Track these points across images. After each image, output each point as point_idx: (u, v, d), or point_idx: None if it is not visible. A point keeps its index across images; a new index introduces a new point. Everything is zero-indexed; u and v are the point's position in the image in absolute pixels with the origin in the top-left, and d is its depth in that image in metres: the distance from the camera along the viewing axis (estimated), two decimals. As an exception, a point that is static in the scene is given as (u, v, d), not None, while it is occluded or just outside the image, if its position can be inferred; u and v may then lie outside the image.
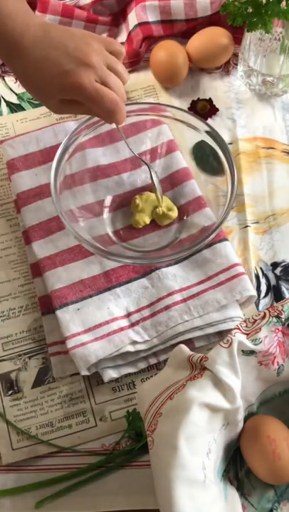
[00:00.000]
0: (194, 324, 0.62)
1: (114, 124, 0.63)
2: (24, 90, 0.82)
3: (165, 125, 0.74)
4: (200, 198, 0.70)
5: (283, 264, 0.70)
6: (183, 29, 0.83)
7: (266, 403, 0.58)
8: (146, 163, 0.68)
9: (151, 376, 0.63)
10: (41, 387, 0.62)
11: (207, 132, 0.69)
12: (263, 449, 0.52)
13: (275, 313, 0.54)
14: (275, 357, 0.54)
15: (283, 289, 0.68)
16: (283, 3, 0.69)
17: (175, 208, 0.70)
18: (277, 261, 0.70)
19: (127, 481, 0.58)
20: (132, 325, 0.63)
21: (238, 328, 0.53)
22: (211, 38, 0.80)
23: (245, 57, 0.79)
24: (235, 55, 0.83)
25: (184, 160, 0.73)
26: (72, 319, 0.63)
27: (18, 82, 0.83)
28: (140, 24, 0.82)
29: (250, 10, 0.71)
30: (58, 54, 0.58)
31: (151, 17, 0.81)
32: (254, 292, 0.64)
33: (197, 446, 0.49)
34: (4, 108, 0.81)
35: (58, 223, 0.68)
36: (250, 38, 0.77)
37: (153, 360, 0.63)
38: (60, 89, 0.59)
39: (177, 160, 0.73)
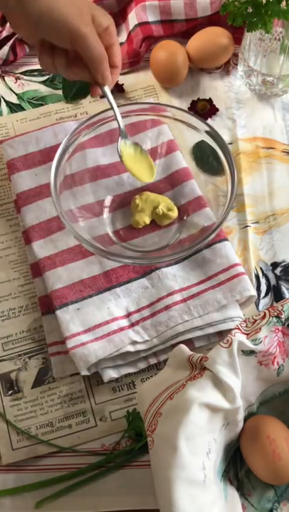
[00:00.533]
0: (194, 324, 0.62)
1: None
2: (24, 90, 0.82)
3: (165, 125, 0.74)
4: (200, 198, 0.70)
5: (283, 264, 0.70)
6: (183, 29, 0.83)
7: (266, 403, 0.58)
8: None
9: (151, 376, 0.63)
10: (41, 387, 0.62)
11: (207, 132, 0.69)
12: (263, 449, 0.52)
13: (275, 313, 0.54)
14: (275, 357, 0.54)
15: (283, 289, 0.68)
16: (283, 3, 0.69)
17: (175, 208, 0.70)
18: (277, 261, 0.70)
19: (127, 481, 0.58)
20: (132, 325, 0.63)
21: (238, 328, 0.53)
22: (211, 38, 0.80)
23: (245, 57, 0.79)
24: (235, 55, 0.84)
25: (183, 160, 0.73)
26: (72, 319, 0.63)
27: (18, 82, 0.83)
28: (140, 24, 0.82)
29: (250, 10, 0.71)
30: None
31: (151, 17, 0.81)
32: (254, 292, 0.64)
33: (197, 446, 0.49)
34: (4, 108, 0.81)
35: (58, 223, 0.68)
36: (250, 38, 0.77)
37: (153, 360, 0.63)
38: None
39: (177, 160, 0.73)
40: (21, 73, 0.84)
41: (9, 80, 0.83)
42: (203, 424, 0.49)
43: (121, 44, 0.83)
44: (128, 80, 0.82)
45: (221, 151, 0.67)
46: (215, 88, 0.82)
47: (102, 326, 0.62)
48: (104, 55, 0.60)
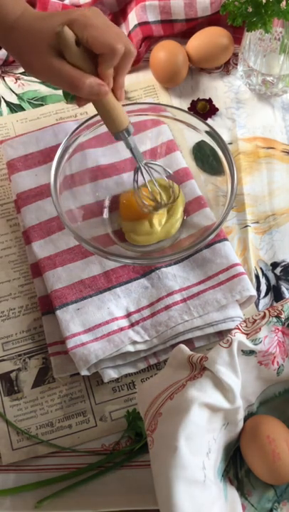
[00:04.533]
0: (194, 324, 0.62)
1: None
2: (24, 90, 0.83)
3: (165, 125, 0.74)
4: (200, 198, 0.70)
5: (283, 264, 0.70)
6: (183, 29, 0.83)
7: (266, 403, 0.58)
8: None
9: (151, 376, 0.63)
10: (41, 387, 0.62)
11: (207, 132, 0.69)
12: (263, 449, 0.52)
13: (275, 313, 0.54)
14: (275, 357, 0.54)
15: (283, 288, 0.68)
16: (283, 3, 0.69)
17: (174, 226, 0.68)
18: (277, 261, 0.70)
19: (127, 481, 0.58)
20: (132, 325, 0.63)
21: (238, 328, 0.53)
22: (211, 38, 0.80)
23: (245, 57, 0.79)
24: (235, 55, 0.84)
25: (183, 160, 0.73)
26: (72, 319, 0.63)
27: (18, 82, 0.83)
28: (140, 24, 0.82)
29: (250, 10, 0.71)
30: (43, 17, 0.57)
31: (151, 17, 0.81)
32: (254, 292, 0.64)
33: (197, 446, 0.49)
34: (4, 108, 0.81)
35: (58, 223, 0.68)
36: (250, 37, 0.77)
37: (153, 360, 0.63)
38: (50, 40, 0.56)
39: (177, 160, 0.73)
40: (21, 73, 0.84)
41: (9, 80, 0.83)
42: (203, 424, 0.49)
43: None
44: (128, 80, 0.82)
45: (220, 151, 0.67)
46: (215, 88, 0.82)
47: (102, 326, 0.62)
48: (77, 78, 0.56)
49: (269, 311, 0.54)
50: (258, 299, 0.67)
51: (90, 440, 0.60)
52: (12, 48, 0.59)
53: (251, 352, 0.53)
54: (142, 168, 0.64)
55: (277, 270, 0.69)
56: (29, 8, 0.59)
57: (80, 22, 0.54)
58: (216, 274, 0.65)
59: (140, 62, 0.83)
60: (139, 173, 0.65)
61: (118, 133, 0.61)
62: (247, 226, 0.72)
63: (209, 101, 0.80)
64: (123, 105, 0.69)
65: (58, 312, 0.63)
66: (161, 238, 0.68)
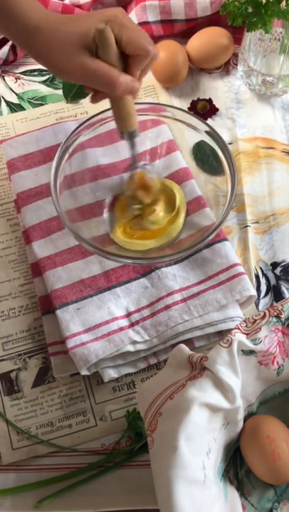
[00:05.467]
0: (194, 324, 0.62)
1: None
2: (24, 90, 0.83)
3: (165, 125, 0.74)
4: (200, 198, 0.70)
5: (283, 264, 0.70)
6: (183, 29, 0.83)
7: (266, 403, 0.58)
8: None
9: (151, 376, 0.63)
10: (41, 386, 0.62)
11: (207, 132, 0.69)
12: (263, 449, 0.52)
13: (275, 313, 0.54)
14: (275, 357, 0.54)
15: (283, 288, 0.68)
16: (283, 3, 0.69)
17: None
18: (277, 261, 0.70)
19: (127, 481, 0.58)
20: (132, 325, 0.63)
21: (238, 328, 0.53)
22: (211, 38, 0.80)
23: (245, 57, 0.79)
24: (235, 55, 0.84)
25: (183, 160, 0.73)
26: (72, 319, 0.63)
27: (18, 82, 0.83)
28: (140, 24, 0.82)
29: (250, 10, 0.71)
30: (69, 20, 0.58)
31: (151, 17, 0.81)
32: (254, 292, 0.64)
33: (197, 446, 0.49)
34: (4, 108, 0.81)
35: (58, 223, 0.68)
36: (250, 38, 0.77)
37: (153, 360, 0.63)
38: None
39: (177, 160, 0.73)
40: (21, 73, 0.84)
41: (9, 79, 0.84)
42: (203, 423, 0.49)
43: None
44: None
45: (220, 151, 0.67)
46: (215, 88, 0.82)
47: (102, 325, 0.62)
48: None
49: (269, 311, 0.54)
50: (258, 298, 0.67)
51: (90, 440, 0.60)
52: (36, 51, 0.59)
53: (251, 352, 0.53)
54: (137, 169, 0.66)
55: (277, 270, 0.69)
56: (51, 13, 0.60)
57: (116, 22, 0.55)
58: (216, 274, 0.65)
59: (140, 62, 0.83)
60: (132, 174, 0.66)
61: (127, 132, 0.62)
62: (247, 226, 0.72)
63: (209, 101, 0.80)
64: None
65: (58, 312, 0.63)
66: (163, 242, 0.67)
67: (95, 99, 0.62)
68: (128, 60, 0.57)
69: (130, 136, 0.63)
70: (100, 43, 0.55)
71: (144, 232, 0.68)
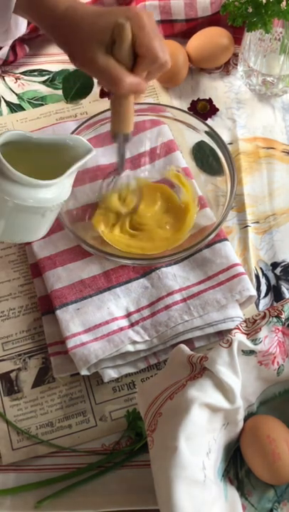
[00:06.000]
0: (194, 324, 0.62)
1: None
2: (24, 90, 0.83)
3: (165, 125, 0.74)
4: (200, 198, 0.70)
5: (283, 264, 0.70)
6: (183, 29, 0.83)
7: (266, 403, 0.58)
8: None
9: (151, 376, 0.63)
10: (41, 387, 0.62)
11: (207, 132, 0.69)
12: (263, 449, 0.52)
13: (275, 313, 0.54)
14: (275, 357, 0.54)
15: (283, 289, 0.68)
16: (283, 3, 0.69)
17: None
18: (277, 261, 0.70)
19: (127, 481, 0.58)
20: (132, 325, 0.63)
21: (238, 328, 0.53)
22: (211, 38, 0.80)
23: (245, 57, 0.79)
24: (236, 55, 0.84)
25: (183, 160, 0.73)
26: (72, 319, 0.63)
27: (18, 82, 0.83)
28: (140, 24, 0.82)
29: (250, 10, 0.71)
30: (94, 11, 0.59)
31: (151, 17, 0.81)
32: (254, 292, 0.64)
33: (197, 446, 0.49)
34: (4, 108, 0.81)
35: (58, 223, 0.68)
36: (250, 38, 0.77)
37: (153, 360, 0.63)
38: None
39: (177, 160, 0.73)
40: (21, 73, 0.84)
41: (9, 80, 0.84)
42: (203, 424, 0.49)
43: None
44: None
45: (220, 151, 0.67)
46: (215, 88, 0.82)
47: (102, 325, 0.62)
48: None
49: (269, 311, 0.54)
50: (258, 299, 0.67)
51: (90, 440, 0.60)
52: (59, 38, 0.60)
53: (251, 352, 0.53)
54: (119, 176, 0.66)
55: (278, 270, 0.69)
56: (78, 1, 0.61)
57: (135, 21, 0.56)
58: (216, 274, 0.65)
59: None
60: (115, 180, 0.66)
61: (120, 134, 0.61)
62: (247, 226, 0.72)
63: (209, 101, 0.80)
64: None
65: (58, 312, 0.63)
66: (169, 247, 0.67)
67: (102, 96, 0.63)
68: (136, 60, 0.58)
69: (122, 139, 0.62)
70: (117, 37, 0.56)
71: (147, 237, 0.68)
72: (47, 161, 0.57)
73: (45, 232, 0.59)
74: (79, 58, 0.59)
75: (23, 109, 0.81)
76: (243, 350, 0.52)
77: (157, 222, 0.68)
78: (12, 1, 0.61)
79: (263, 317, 0.53)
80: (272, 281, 0.68)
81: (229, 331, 0.53)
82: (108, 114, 0.68)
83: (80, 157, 0.56)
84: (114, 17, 0.56)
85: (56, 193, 0.55)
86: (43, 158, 0.57)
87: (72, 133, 0.68)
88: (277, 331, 0.53)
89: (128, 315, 0.64)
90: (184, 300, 0.64)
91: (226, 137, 0.77)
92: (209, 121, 0.79)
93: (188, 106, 0.80)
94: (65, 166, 0.55)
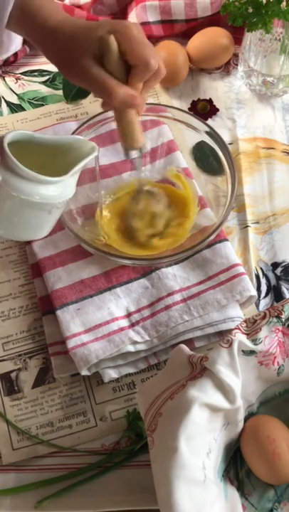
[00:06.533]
0: (194, 324, 0.62)
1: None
2: (24, 91, 0.83)
3: (165, 125, 0.74)
4: (200, 198, 0.70)
5: (283, 264, 0.70)
6: (183, 29, 0.83)
7: (266, 403, 0.58)
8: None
9: (152, 376, 0.63)
10: (41, 387, 0.62)
11: (207, 132, 0.69)
12: (263, 449, 0.52)
13: (276, 314, 0.54)
14: (275, 357, 0.54)
15: (283, 289, 0.68)
16: (283, 4, 0.69)
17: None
18: (277, 261, 0.70)
19: (127, 481, 0.58)
20: (132, 325, 0.63)
21: (239, 328, 0.53)
22: (211, 38, 0.80)
23: (245, 57, 0.79)
24: (236, 56, 0.84)
25: (184, 160, 0.73)
26: (72, 319, 0.63)
27: (18, 82, 0.83)
28: (140, 24, 0.81)
29: (251, 10, 0.71)
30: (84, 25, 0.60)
31: (152, 17, 0.81)
32: (254, 292, 0.64)
33: (197, 446, 0.49)
34: (4, 108, 0.81)
35: (58, 223, 0.68)
36: (250, 38, 0.77)
37: (153, 360, 0.63)
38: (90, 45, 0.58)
39: (177, 160, 0.73)
40: (22, 73, 0.84)
41: (10, 80, 0.84)
42: (203, 424, 0.49)
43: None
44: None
45: (220, 151, 0.67)
46: (215, 88, 0.82)
47: (102, 326, 0.62)
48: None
49: (269, 311, 0.54)
50: (259, 299, 0.67)
51: (90, 440, 0.60)
52: (51, 51, 0.61)
53: (251, 352, 0.53)
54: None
55: (278, 270, 0.69)
56: (69, 16, 0.62)
57: (122, 33, 0.56)
58: (217, 274, 0.65)
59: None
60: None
61: (128, 149, 0.61)
62: (247, 226, 0.72)
63: (210, 101, 0.80)
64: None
65: (59, 312, 0.63)
66: (169, 247, 0.67)
67: (104, 107, 0.63)
68: (130, 72, 0.58)
69: (134, 154, 0.61)
70: (104, 51, 0.56)
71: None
72: (50, 162, 0.57)
73: (49, 230, 0.60)
74: (73, 70, 0.59)
75: (24, 110, 0.81)
76: (243, 350, 0.52)
77: (165, 222, 0.68)
78: (5, 15, 0.61)
79: (263, 317, 0.53)
80: (273, 282, 0.68)
81: (229, 331, 0.53)
82: (108, 114, 0.68)
83: (84, 157, 0.56)
84: (101, 30, 0.56)
85: (62, 190, 0.55)
86: (47, 159, 0.57)
87: (73, 133, 0.68)
88: (277, 331, 0.53)
89: (128, 315, 0.64)
90: (184, 300, 0.64)
91: (226, 137, 0.77)
92: (209, 122, 0.79)
93: (189, 106, 0.80)
94: (68, 167, 0.55)
